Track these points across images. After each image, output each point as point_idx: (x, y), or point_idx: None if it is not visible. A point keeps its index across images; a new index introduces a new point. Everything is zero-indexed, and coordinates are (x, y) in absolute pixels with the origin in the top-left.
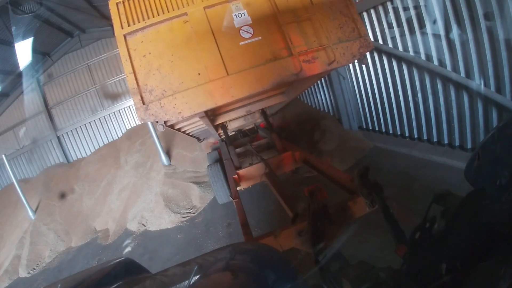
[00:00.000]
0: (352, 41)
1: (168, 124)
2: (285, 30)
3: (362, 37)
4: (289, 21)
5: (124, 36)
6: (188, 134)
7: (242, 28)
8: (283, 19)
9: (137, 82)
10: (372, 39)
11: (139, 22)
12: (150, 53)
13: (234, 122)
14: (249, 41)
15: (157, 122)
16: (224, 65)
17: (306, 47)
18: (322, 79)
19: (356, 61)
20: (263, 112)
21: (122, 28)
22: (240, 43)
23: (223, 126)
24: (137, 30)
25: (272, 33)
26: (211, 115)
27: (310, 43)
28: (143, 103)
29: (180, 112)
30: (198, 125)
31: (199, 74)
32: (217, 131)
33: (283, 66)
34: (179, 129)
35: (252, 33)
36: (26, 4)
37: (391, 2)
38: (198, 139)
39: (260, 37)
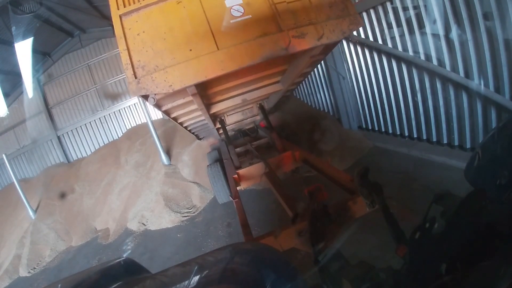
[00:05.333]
0: (341, 18)
1: (164, 109)
2: (275, 8)
3: (351, 15)
4: (279, 0)
5: (120, 16)
6: (188, 129)
7: (233, 8)
8: None
9: (131, 59)
10: (371, 39)
11: (134, 3)
12: (144, 32)
13: (232, 116)
14: (239, 19)
15: (149, 97)
16: (215, 41)
17: (296, 24)
18: (322, 78)
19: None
20: (261, 106)
21: (118, 9)
22: (231, 21)
23: (221, 121)
24: (132, 11)
25: (262, 11)
26: (205, 100)
27: (300, 20)
28: (135, 77)
29: (171, 85)
30: (196, 115)
31: (191, 50)
32: (215, 125)
33: (273, 41)
34: (176, 119)
35: (243, 11)
36: (26, 4)
37: (390, 2)
38: (198, 137)
39: (250, 16)
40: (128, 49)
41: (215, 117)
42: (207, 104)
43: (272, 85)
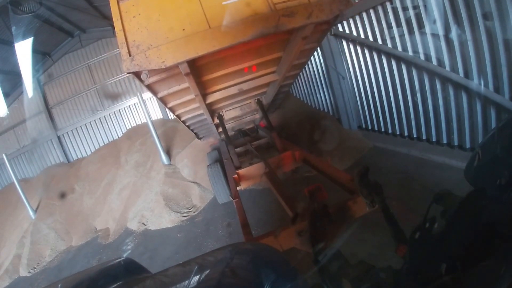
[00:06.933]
0: None
1: (160, 96)
2: None
3: None
4: None
5: (117, 1)
6: (187, 125)
7: None
8: None
9: (126, 39)
10: (371, 39)
11: None
12: (139, 14)
13: (231, 111)
14: (231, 1)
15: (142, 75)
16: (207, 20)
17: (286, 4)
18: (322, 78)
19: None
20: (259, 102)
21: None
22: (223, 3)
23: (220, 116)
24: None
25: None
26: (201, 89)
27: (290, 2)
28: (130, 55)
29: (164, 61)
30: (193, 107)
31: (184, 29)
32: (213, 120)
33: (263, 20)
34: (173, 110)
35: None
36: (26, 4)
37: (390, 3)
38: (198, 136)
39: None
40: (124, 30)
41: (213, 112)
42: (203, 94)
43: (268, 75)
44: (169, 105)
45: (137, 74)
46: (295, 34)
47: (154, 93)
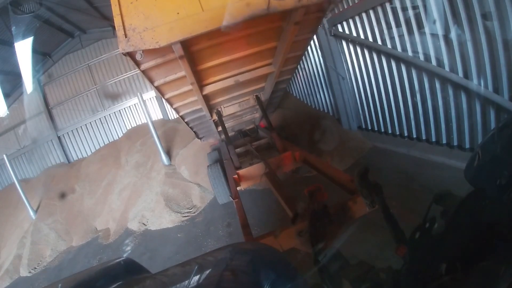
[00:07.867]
0: None
1: (156, 84)
2: None
3: None
4: None
5: None
6: (185, 121)
7: None
8: None
9: (123, 23)
10: (371, 40)
11: None
12: (137, 0)
13: (229, 108)
14: None
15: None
16: (200, 4)
17: None
18: (322, 79)
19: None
20: (257, 98)
21: None
22: None
23: (218, 112)
24: None
25: None
26: (197, 80)
27: None
28: (126, 37)
29: (158, 42)
30: (191, 100)
31: (178, 13)
32: (211, 116)
33: (255, 2)
34: (171, 102)
35: None
36: (26, 4)
37: (389, 3)
38: (198, 136)
39: None
40: (121, 14)
41: (211, 108)
42: (200, 85)
43: (264, 67)
44: (167, 96)
45: (132, 56)
46: (287, 19)
47: (151, 81)
